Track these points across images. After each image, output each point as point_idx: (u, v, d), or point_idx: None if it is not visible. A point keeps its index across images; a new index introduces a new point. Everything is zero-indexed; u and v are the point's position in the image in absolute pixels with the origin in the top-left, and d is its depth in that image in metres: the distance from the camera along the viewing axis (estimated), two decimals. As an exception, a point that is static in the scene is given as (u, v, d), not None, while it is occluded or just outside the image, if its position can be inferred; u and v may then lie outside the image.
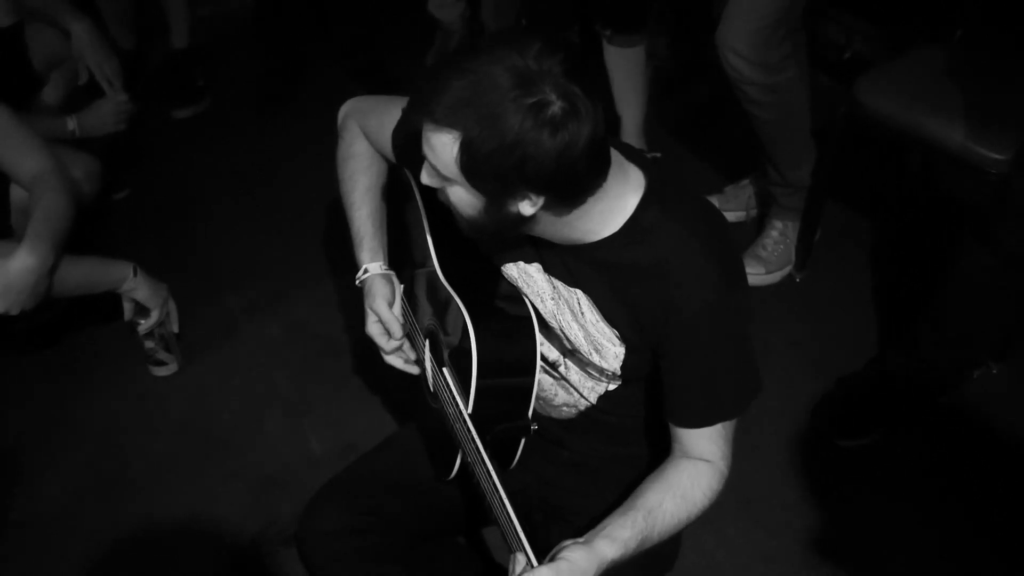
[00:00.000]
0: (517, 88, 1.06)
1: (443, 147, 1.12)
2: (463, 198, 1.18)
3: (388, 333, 1.53)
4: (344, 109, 1.60)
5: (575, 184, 1.15)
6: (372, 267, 1.54)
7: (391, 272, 1.56)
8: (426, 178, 1.21)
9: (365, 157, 1.57)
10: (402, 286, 1.58)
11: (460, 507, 1.57)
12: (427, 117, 1.12)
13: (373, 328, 1.54)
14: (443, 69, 1.11)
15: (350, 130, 1.57)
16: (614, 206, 1.23)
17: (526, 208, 1.17)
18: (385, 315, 1.52)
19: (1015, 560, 1.87)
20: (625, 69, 2.60)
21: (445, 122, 1.10)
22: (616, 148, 1.26)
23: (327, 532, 1.48)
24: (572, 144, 1.08)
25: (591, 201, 1.19)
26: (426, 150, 1.16)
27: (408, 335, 1.57)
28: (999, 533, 1.92)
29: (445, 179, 1.17)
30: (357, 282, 1.56)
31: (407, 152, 1.44)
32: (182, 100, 3.22)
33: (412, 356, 1.57)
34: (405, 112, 1.14)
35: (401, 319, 1.53)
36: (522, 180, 1.12)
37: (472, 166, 1.11)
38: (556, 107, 1.07)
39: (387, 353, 1.55)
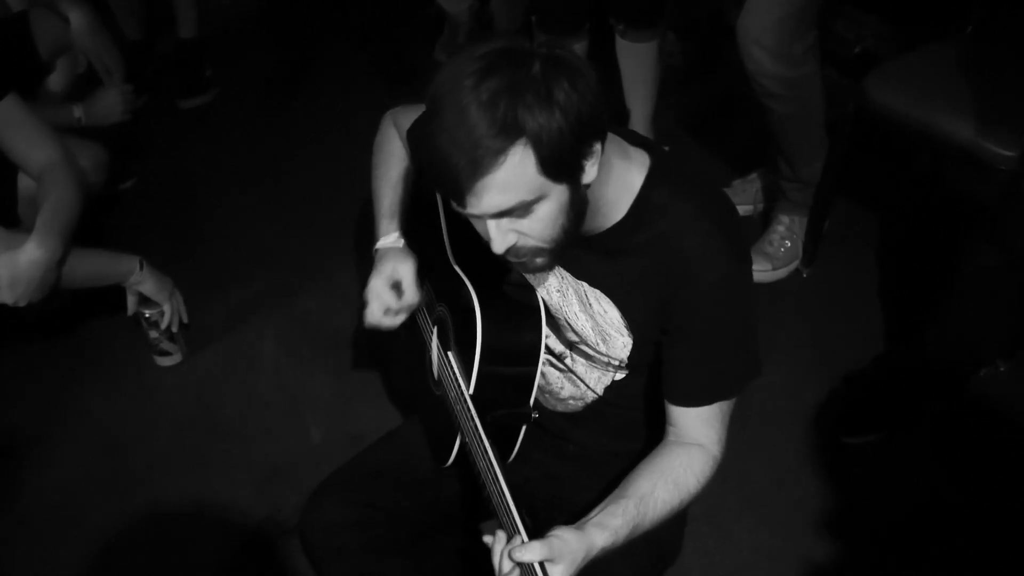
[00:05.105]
0: (515, 62, 1.07)
1: (517, 167, 1.07)
2: (549, 212, 1.13)
3: (397, 299, 1.47)
4: (385, 115, 1.60)
5: (604, 109, 1.13)
6: (406, 239, 1.52)
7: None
8: (502, 241, 1.14)
9: (399, 144, 1.56)
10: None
11: (463, 501, 1.57)
12: (479, 169, 1.07)
13: (384, 288, 1.47)
14: (444, 132, 1.06)
15: (385, 122, 1.58)
16: (621, 188, 1.24)
17: (591, 169, 1.14)
18: (410, 292, 1.47)
19: (1022, 559, 1.87)
20: (637, 64, 2.58)
21: (505, 142, 1.06)
22: (618, 134, 1.27)
23: (330, 524, 1.48)
24: (584, 63, 1.10)
25: (598, 187, 1.19)
26: (497, 202, 1.10)
27: (417, 323, 1.58)
28: (1006, 532, 1.91)
29: (528, 207, 1.12)
30: (378, 245, 1.52)
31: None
32: (189, 91, 3.22)
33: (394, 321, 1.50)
34: (443, 200, 1.10)
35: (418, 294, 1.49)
36: (583, 127, 1.09)
37: (553, 152, 1.08)
38: (546, 52, 1.09)
39: (376, 317, 1.48)
